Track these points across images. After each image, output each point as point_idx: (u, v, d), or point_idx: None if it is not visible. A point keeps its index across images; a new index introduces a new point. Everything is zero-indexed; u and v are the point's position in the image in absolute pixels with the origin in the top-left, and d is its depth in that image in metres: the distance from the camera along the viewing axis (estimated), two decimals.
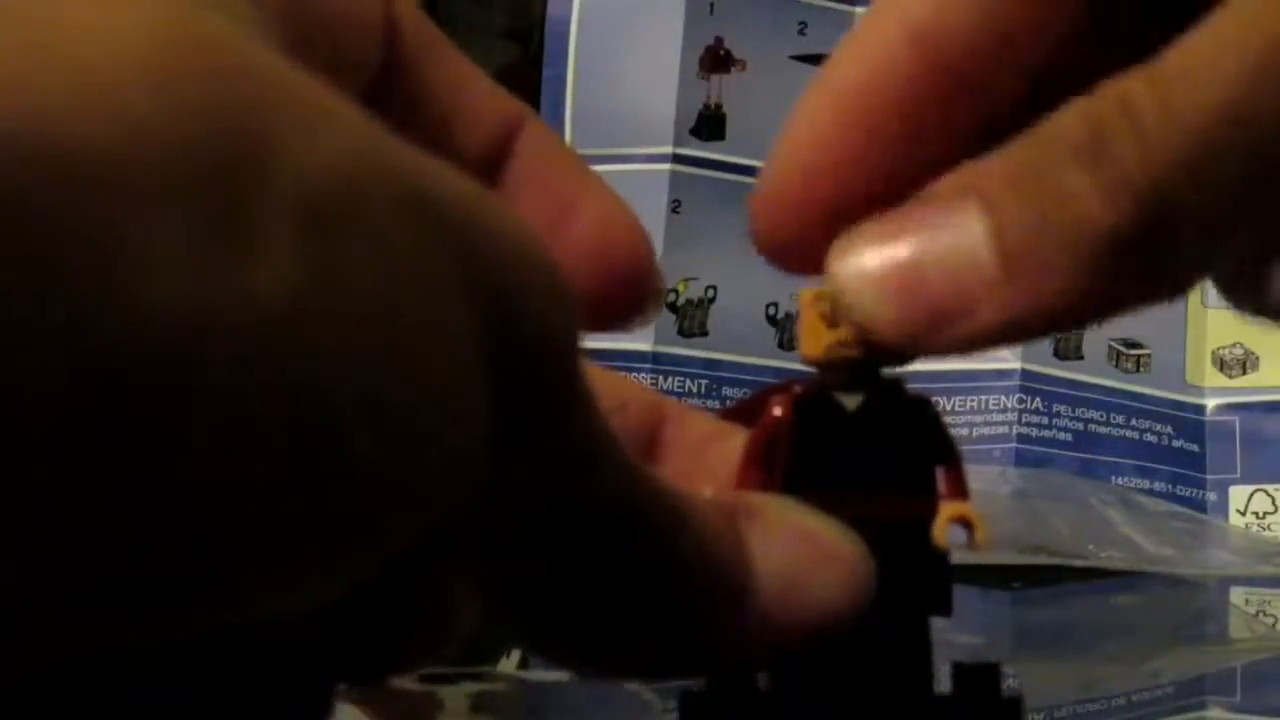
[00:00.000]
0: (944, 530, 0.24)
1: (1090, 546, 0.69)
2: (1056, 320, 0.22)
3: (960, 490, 0.24)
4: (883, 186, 0.23)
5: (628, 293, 0.25)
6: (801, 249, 0.23)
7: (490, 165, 0.25)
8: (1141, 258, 0.21)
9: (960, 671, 0.24)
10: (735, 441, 0.25)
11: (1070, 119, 0.22)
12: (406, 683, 0.44)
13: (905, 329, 0.22)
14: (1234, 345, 0.82)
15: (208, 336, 0.14)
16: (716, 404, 0.76)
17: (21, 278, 0.13)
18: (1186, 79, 0.21)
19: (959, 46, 0.23)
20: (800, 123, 0.24)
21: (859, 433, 0.24)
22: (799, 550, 0.22)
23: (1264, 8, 0.21)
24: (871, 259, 0.22)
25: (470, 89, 0.24)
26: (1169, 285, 0.22)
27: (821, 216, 0.23)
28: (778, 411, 0.24)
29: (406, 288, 0.16)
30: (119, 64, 0.14)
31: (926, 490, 0.24)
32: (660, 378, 0.78)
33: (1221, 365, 0.82)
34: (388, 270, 0.16)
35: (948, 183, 0.22)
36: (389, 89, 0.23)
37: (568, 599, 0.20)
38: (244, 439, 0.14)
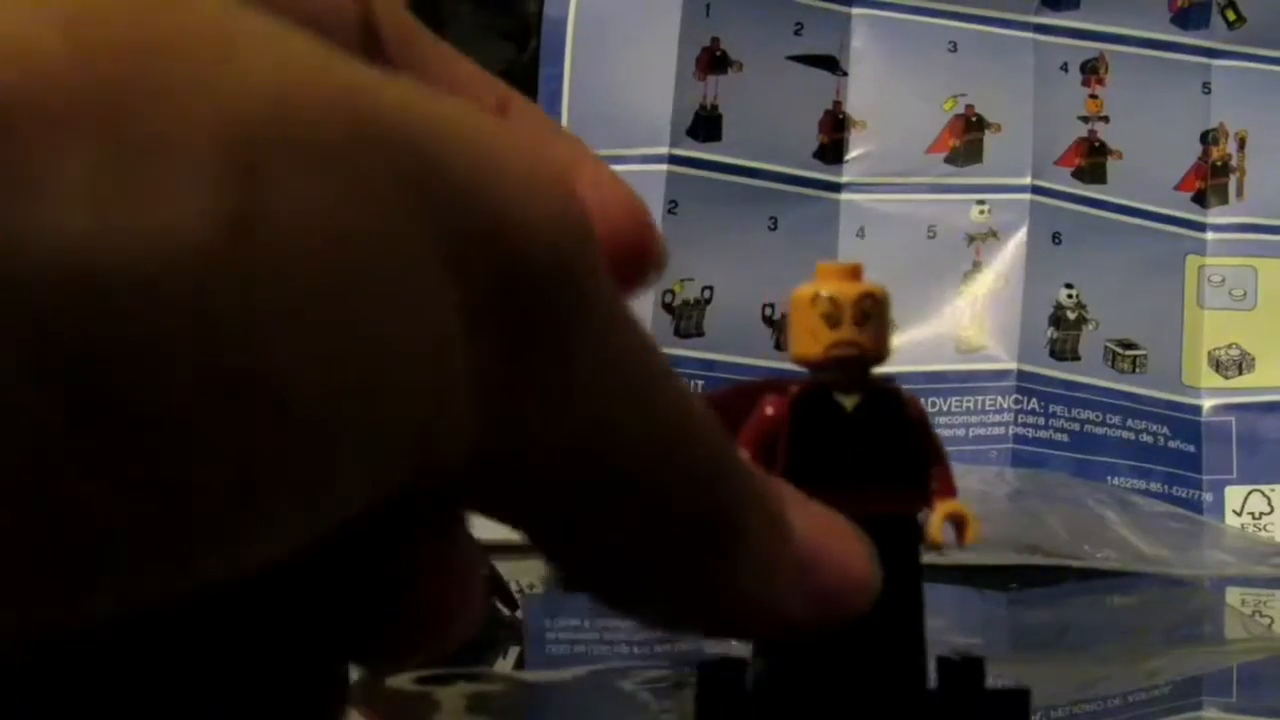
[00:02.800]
0: (940, 527, 0.24)
1: (1086, 547, 0.69)
2: None
3: (950, 489, 0.24)
4: None
5: (631, 256, 0.24)
6: None
7: None
8: None
9: (945, 666, 0.24)
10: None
11: None
12: (402, 683, 0.44)
13: None
14: (1230, 346, 0.82)
15: (116, 271, 0.13)
16: None
17: None
18: None
19: None
20: None
21: (857, 432, 0.24)
22: (821, 522, 0.22)
23: None
24: None
25: (453, 76, 0.24)
26: None
27: None
28: (770, 410, 0.24)
29: (357, 224, 0.15)
30: (35, 7, 0.14)
31: (922, 488, 0.24)
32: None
33: (1218, 366, 0.82)
34: (333, 206, 0.15)
35: None
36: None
37: (611, 539, 0.19)
38: (164, 377, 0.14)
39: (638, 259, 0.24)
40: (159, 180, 0.14)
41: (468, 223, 0.16)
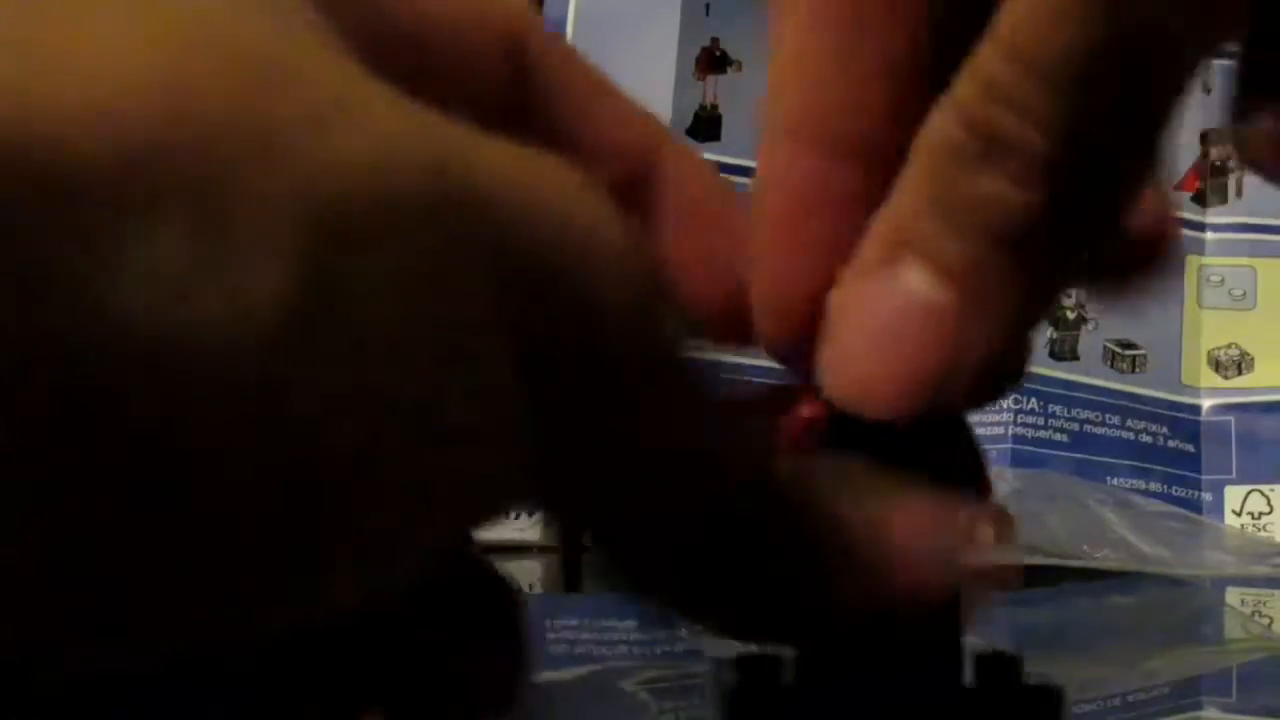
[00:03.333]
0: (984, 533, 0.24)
1: (1086, 547, 0.69)
2: (1032, 314, 0.22)
3: (986, 489, 0.24)
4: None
5: (733, 324, 0.25)
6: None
7: (631, 193, 0.24)
8: (1067, 218, 0.21)
9: (982, 663, 0.24)
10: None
11: (949, 125, 0.21)
12: None
13: (907, 403, 0.22)
14: (1229, 346, 0.82)
15: (187, 348, 0.14)
16: None
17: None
18: (1031, 29, 0.20)
19: None
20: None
21: (892, 442, 0.24)
22: (915, 516, 0.22)
23: None
24: (850, 354, 0.22)
25: (602, 115, 0.24)
26: (1103, 226, 0.22)
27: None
28: (807, 412, 0.24)
29: (428, 301, 0.15)
30: (121, 72, 0.14)
31: (968, 489, 0.24)
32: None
33: (1217, 366, 0.82)
34: (407, 282, 0.15)
35: (873, 246, 0.22)
36: (517, 114, 0.23)
37: (668, 551, 0.20)
38: (238, 455, 0.14)
39: (740, 328, 0.25)
40: (241, 261, 0.14)
41: (530, 286, 0.16)
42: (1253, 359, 0.82)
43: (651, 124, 0.25)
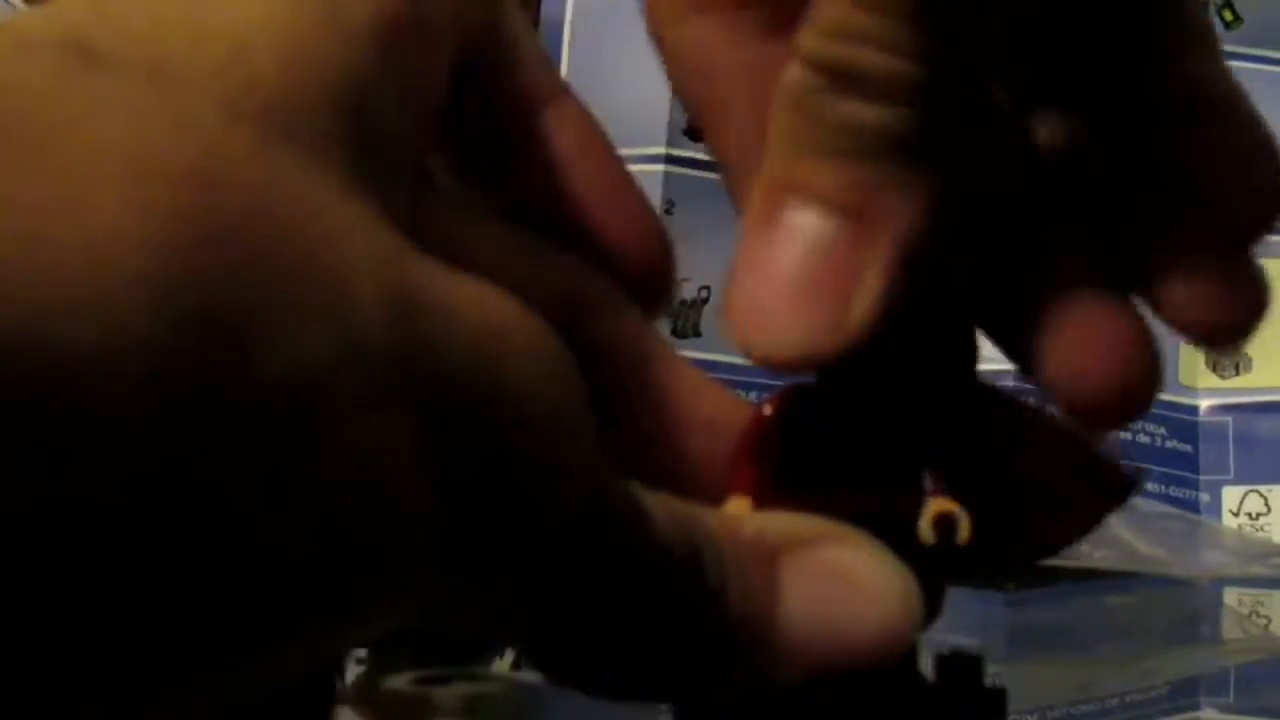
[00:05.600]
0: (929, 527, 0.24)
1: (1083, 547, 0.69)
2: (921, 234, 0.22)
3: (943, 489, 0.24)
4: None
5: (649, 280, 0.26)
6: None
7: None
8: (927, 123, 0.22)
9: (942, 662, 0.24)
10: None
11: (803, 72, 0.22)
12: (400, 684, 0.44)
13: (824, 342, 0.22)
14: None
15: (166, 524, 0.15)
16: None
17: None
18: None
19: None
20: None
21: (849, 431, 0.24)
22: (832, 592, 0.22)
23: None
24: (756, 308, 0.23)
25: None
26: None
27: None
28: (768, 410, 0.24)
29: (361, 478, 0.16)
30: (126, 272, 0.15)
31: (913, 488, 0.24)
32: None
33: (1215, 366, 0.82)
34: (354, 455, 0.16)
35: (758, 200, 0.23)
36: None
37: (576, 637, 0.20)
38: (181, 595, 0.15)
39: (655, 283, 0.26)
40: (212, 449, 0.15)
41: (462, 431, 0.18)
42: (1250, 359, 0.82)
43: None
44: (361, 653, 0.49)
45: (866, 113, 0.22)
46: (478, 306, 0.18)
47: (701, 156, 0.81)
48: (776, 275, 0.22)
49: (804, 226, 0.22)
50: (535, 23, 0.82)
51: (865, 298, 0.22)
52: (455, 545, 0.18)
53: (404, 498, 0.17)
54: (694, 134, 0.81)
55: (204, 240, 0.15)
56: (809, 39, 0.22)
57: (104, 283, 0.14)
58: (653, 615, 0.20)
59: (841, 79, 0.22)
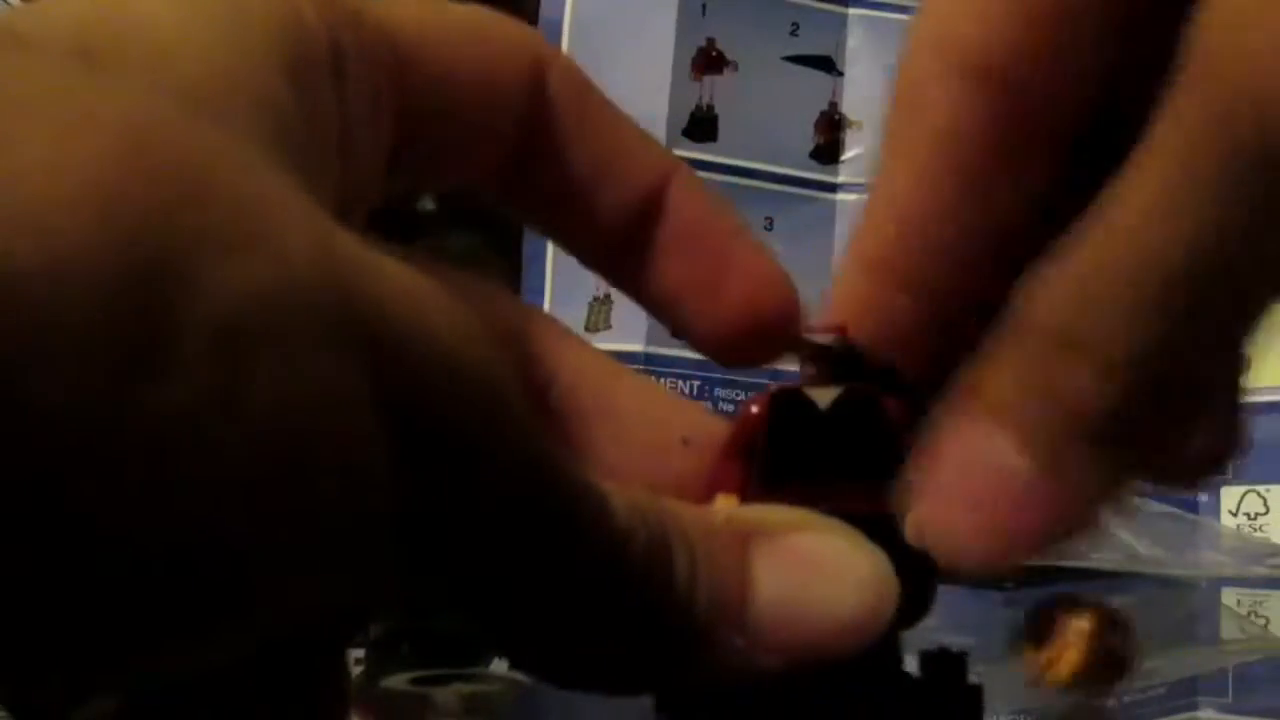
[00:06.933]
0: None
1: (1082, 547, 0.69)
2: (1112, 495, 0.23)
3: None
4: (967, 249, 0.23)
5: (771, 349, 0.26)
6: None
7: (641, 221, 0.26)
8: (1145, 420, 0.22)
9: (927, 659, 0.24)
10: None
11: (1043, 311, 0.22)
12: (399, 683, 0.44)
13: (995, 560, 0.23)
14: None
15: (113, 442, 0.15)
16: (709, 406, 0.76)
17: None
18: (1133, 239, 0.21)
19: (1012, 55, 0.22)
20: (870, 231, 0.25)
21: (833, 430, 0.24)
22: (805, 576, 0.22)
23: (1206, 122, 0.20)
24: (943, 510, 0.23)
25: (620, 144, 0.25)
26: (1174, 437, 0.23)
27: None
28: (754, 409, 0.24)
29: (310, 405, 0.17)
30: (60, 197, 0.15)
31: (900, 487, 0.24)
32: (653, 379, 0.78)
33: None
34: (292, 388, 0.16)
35: (964, 401, 0.23)
36: (536, 149, 0.24)
37: (540, 623, 0.20)
38: (146, 536, 0.16)
39: (777, 350, 0.26)
40: (153, 368, 0.15)
41: (408, 404, 0.18)
42: (1249, 359, 0.82)
43: (662, 153, 0.26)
44: (361, 653, 0.49)
45: (1093, 390, 0.21)
46: (400, 268, 0.18)
47: (700, 157, 0.81)
48: (969, 487, 0.23)
49: (1004, 454, 0.22)
50: (534, 23, 0.83)
51: (1044, 541, 0.23)
52: (404, 504, 0.18)
53: (356, 446, 0.17)
54: (692, 134, 0.81)
55: (136, 175, 0.16)
56: (1059, 284, 0.22)
57: (36, 202, 0.15)
58: (613, 601, 0.20)
59: (1077, 344, 0.21)
